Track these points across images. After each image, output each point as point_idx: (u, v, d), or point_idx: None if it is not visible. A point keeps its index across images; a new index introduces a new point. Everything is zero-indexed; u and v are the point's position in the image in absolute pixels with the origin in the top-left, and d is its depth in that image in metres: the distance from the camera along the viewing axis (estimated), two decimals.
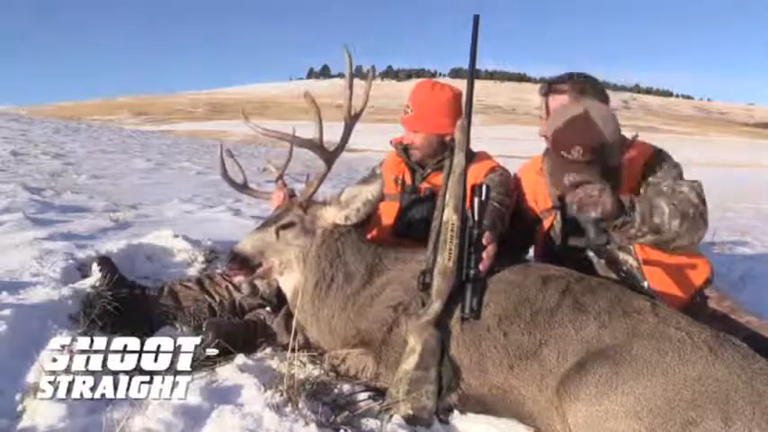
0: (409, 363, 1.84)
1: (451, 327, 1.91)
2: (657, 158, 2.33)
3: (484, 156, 2.75)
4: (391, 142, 2.88)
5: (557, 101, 2.39)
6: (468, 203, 1.89)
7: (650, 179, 2.29)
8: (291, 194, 2.54)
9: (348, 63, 2.03)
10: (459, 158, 1.91)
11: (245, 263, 2.21)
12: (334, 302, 2.18)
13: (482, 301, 1.88)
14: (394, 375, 1.87)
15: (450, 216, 1.85)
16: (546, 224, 2.51)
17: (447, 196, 1.90)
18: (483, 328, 1.88)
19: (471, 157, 2.72)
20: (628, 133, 2.47)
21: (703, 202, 2.15)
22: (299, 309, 2.14)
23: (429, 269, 1.89)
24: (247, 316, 2.43)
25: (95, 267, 2.49)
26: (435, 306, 1.88)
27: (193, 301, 2.49)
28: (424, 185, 2.69)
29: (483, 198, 1.86)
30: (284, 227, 2.27)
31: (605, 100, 2.41)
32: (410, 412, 1.76)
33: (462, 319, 1.88)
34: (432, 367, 1.83)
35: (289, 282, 2.30)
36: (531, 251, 2.77)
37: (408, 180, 2.75)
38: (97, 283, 2.42)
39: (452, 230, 1.83)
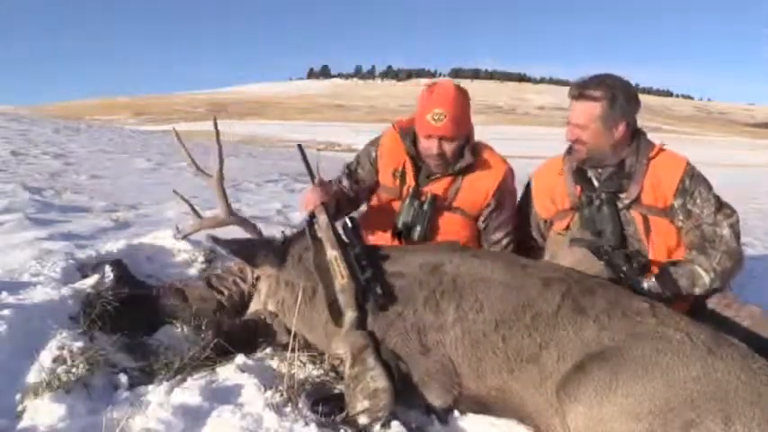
0: (346, 368, 1.89)
1: (382, 322, 1.98)
2: (692, 178, 2.33)
3: (490, 156, 2.66)
4: (394, 126, 2.71)
5: (589, 107, 2.34)
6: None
7: (690, 207, 2.31)
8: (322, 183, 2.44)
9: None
10: (321, 218, 2.22)
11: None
12: (324, 307, 2.17)
13: (387, 285, 2.02)
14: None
15: (330, 252, 2.11)
16: (562, 224, 2.51)
17: (324, 242, 2.16)
18: (479, 333, 1.89)
19: (477, 154, 2.62)
20: (655, 139, 2.47)
21: (739, 241, 2.28)
22: (294, 325, 2.15)
23: (332, 301, 2.05)
24: (247, 315, 2.43)
25: (108, 269, 2.50)
26: (349, 314, 2.00)
27: (200, 300, 2.47)
28: (427, 189, 2.60)
29: (351, 227, 2.19)
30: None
31: (636, 105, 2.39)
32: (366, 404, 1.75)
33: (381, 308, 1.99)
34: (367, 357, 1.86)
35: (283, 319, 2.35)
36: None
37: (411, 177, 2.63)
38: (107, 283, 2.43)
39: (336, 261, 2.07)
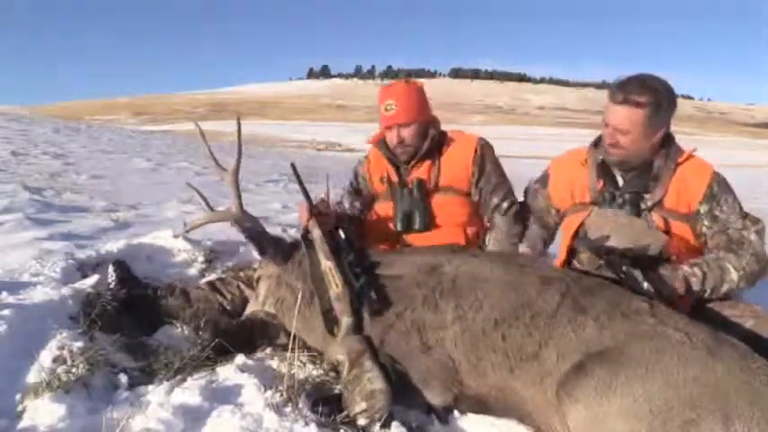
0: (344, 372, 1.91)
1: (383, 322, 2.01)
2: (719, 185, 2.30)
3: (459, 134, 2.80)
4: (371, 142, 2.89)
5: (632, 113, 2.24)
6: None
7: (716, 213, 2.29)
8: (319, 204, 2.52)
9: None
10: (315, 233, 2.26)
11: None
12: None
13: (382, 290, 2.07)
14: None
15: (324, 263, 2.16)
16: (578, 218, 2.48)
17: (319, 254, 2.20)
18: (479, 332, 1.89)
19: (442, 141, 2.75)
20: (683, 144, 2.45)
21: (764, 249, 2.26)
22: (293, 326, 2.16)
23: (327, 309, 2.11)
24: (244, 316, 2.43)
25: (111, 269, 2.50)
26: (345, 320, 2.03)
27: (204, 302, 2.50)
28: (411, 178, 2.73)
29: (345, 237, 2.28)
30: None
31: (675, 109, 2.35)
32: (363, 405, 1.77)
33: (376, 313, 2.02)
34: (364, 360, 1.88)
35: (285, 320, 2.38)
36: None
37: (394, 177, 2.77)
38: (110, 283, 2.43)
39: (331, 270, 2.13)
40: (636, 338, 1.70)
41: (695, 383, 1.53)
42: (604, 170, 2.45)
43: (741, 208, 2.31)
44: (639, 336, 1.71)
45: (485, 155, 2.73)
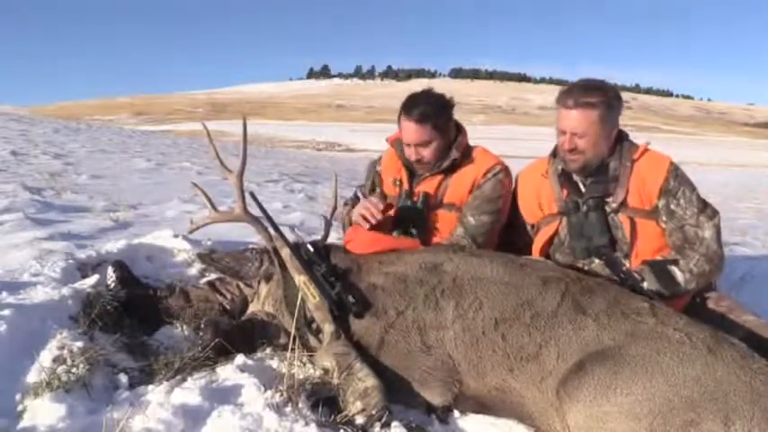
0: (335, 377, 1.91)
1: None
2: (676, 178, 2.30)
3: (480, 153, 2.73)
4: (387, 140, 2.86)
5: (587, 114, 2.27)
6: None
7: (672, 207, 2.28)
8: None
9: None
10: (284, 252, 2.24)
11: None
12: None
13: (359, 295, 2.09)
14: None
15: (298, 278, 2.17)
16: (550, 229, 2.48)
17: (291, 272, 2.20)
18: (479, 332, 1.89)
19: (468, 154, 2.70)
20: (638, 139, 2.46)
21: (720, 245, 2.26)
22: (295, 327, 2.16)
23: (308, 322, 2.13)
24: (245, 316, 2.43)
25: (110, 270, 2.50)
26: (326, 328, 2.04)
27: (204, 302, 2.49)
28: (420, 189, 2.70)
29: (313, 250, 2.26)
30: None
31: (621, 106, 2.39)
32: (359, 405, 1.77)
33: (356, 316, 2.05)
34: (353, 362, 1.89)
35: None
36: None
37: (405, 182, 2.75)
38: (111, 284, 2.43)
39: (306, 284, 2.14)
40: (636, 338, 1.70)
41: (695, 383, 1.54)
42: (566, 178, 2.46)
43: (699, 200, 2.30)
44: (639, 336, 1.71)
45: (494, 179, 2.65)
